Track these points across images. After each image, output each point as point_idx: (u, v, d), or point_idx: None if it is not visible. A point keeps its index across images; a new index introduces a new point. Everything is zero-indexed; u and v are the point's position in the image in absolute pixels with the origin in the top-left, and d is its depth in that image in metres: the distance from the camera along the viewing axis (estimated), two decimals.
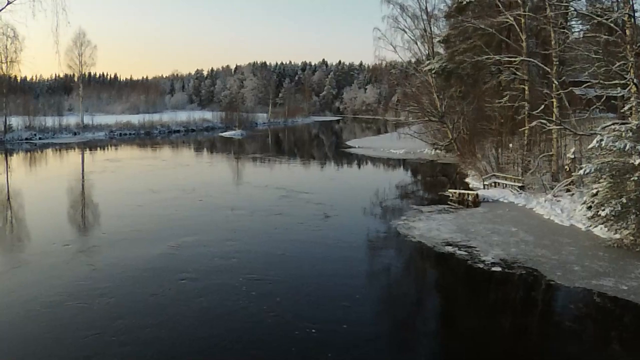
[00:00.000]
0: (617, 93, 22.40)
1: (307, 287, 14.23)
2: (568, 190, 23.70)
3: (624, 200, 16.45)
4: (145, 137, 76.99)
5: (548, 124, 25.31)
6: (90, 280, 14.26)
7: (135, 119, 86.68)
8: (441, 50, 49.35)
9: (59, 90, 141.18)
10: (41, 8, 48.45)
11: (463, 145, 40.14)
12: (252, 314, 12.07)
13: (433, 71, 45.82)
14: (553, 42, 26.75)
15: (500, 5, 30.30)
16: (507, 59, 30.12)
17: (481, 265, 15.68)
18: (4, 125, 62.86)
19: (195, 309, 12.36)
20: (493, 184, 28.56)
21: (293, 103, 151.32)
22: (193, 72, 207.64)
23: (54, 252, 16.89)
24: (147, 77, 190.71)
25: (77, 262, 16.07)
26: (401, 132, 58.01)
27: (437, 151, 49.34)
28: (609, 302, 12.99)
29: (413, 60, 55.45)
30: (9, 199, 27.85)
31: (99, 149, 59.88)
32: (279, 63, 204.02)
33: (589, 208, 17.81)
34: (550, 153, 27.35)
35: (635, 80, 20.15)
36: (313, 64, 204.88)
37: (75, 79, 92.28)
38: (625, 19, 21.27)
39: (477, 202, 25.04)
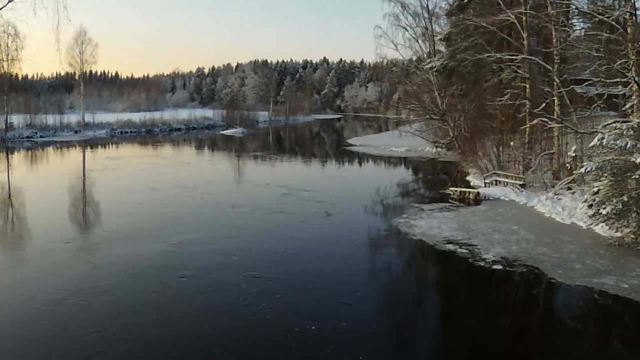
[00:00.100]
0: (619, 91, 22.34)
1: (308, 285, 14.25)
2: (569, 189, 23.69)
3: (625, 199, 16.44)
4: (147, 135, 77.00)
5: (549, 122, 25.29)
6: (91, 278, 14.27)
7: (137, 117, 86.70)
8: (442, 48, 49.26)
9: (60, 88, 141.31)
10: (42, 6, 48.80)
11: (464, 143, 40.13)
12: (252, 311, 12.07)
13: (434, 69, 45.74)
14: (554, 40, 26.72)
15: (501, 3, 30.21)
16: (508, 57, 30.06)
17: (482, 264, 15.67)
18: (5, 124, 62.81)
19: (196, 307, 12.37)
20: (494, 182, 28.55)
21: (294, 101, 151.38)
22: (194, 70, 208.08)
23: (55, 250, 16.89)
24: (148, 75, 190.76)
25: (78, 259, 16.08)
26: (402, 130, 58.05)
27: (438, 149, 49.28)
28: (610, 300, 12.98)
29: (414, 58, 55.50)
30: (10, 196, 27.87)
31: (100, 147, 59.87)
32: (280, 61, 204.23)
33: (590, 206, 17.81)
34: (552, 151, 27.34)
35: (636, 79, 20.11)
36: (314, 62, 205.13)
37: (77, 77, 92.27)
38: (627, 16, 21.22)
39: (478, 200, 25.03)
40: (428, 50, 52.10)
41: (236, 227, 20.28)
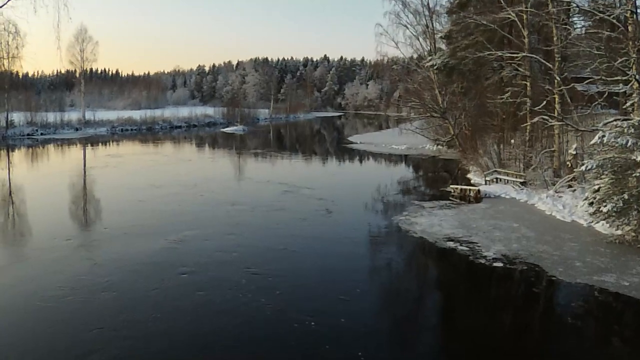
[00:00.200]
0: (619, 89, 22.33)
1: (308, 282, 14.27)
2: (570, 186, 23.68)
3: (626, 197, 16.44)
4: (147, 133, 76.96)
5: (550, 120, 25.28)
6: (92, 275, 14.28)
7: (137, 114, 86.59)
8: (443, 46, 49.23)
9: (61, 86, 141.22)
10: (42, 4, 48.64)
11: (465, 141, 40.13)
12: (252, 308, 12.09)
13: (435, 67, 45.74)
14: (555, 38, 26.68)
15: (502, 1, 30.17)
16: (509, 55, 30.04)
17: (483, 261, 15.67)
18: (5, 121, 62.77)
19: (196, 304, 12.38)
20: (495, 180, 28.54)
21: (295, 99, 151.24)
22: (195, 68, 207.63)
23: (56, 247, 16.91)
24: (148, 73, 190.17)
25: (79, 256, 16.10)
26: (403, 127, 58.00)
27: (439, 147, 49.29)
28: (610, 298, 12.98)
29: (415, 56, 55.46)
30: (11, 194, 27.89)
31: (100, 144, 59.83)
32: (280, 59, 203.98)
33: (591, 204, 17.82)
34: (552, 149, 27.33)
35: (637, 77, 20.10)
36: (315, 59, 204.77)
37: (77, 75, 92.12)
38: (628, 15, 21.20)
39: (478, 197, 25.03)
40: (429, 48, 52.08)
41: (237, 224, 20.28)
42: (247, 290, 13.19)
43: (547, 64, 27.52)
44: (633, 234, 16.86)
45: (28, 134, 65.62)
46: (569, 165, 24.28)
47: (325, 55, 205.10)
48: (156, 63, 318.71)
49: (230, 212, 22.42)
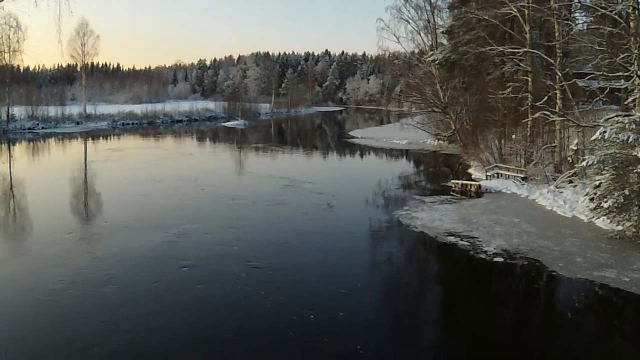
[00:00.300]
0: (621, 85, 22.35)
1: (309, 276, 14.29)
2: (570, 182, 23.68)
3: (627, 192, 16.44)
4: (148, 127, 76.97)
5: (551, 116, 25.27)
6: (92, 268, 14.29)
7: (138, 108, 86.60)
8: (444, 41, 49.19)
9: (62, 80, 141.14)
10: None
11: (466, 136, 40.15)
12: (253, 301, 12.10)
13: (436, 62, 45.66)
14: (557, 34, 26.63)
15: None
16: (510, 50, 29.98)
17: (483, 256, 15.67)
18: (6, 115, 62.85)
19: (197, 297, 12.40)
20: (496, 175, 28.57)
21: (296, 93, 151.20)
22: (196, 62, 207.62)
23: (57, 241, 16.92)
24: (149, 67, 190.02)
25: (80, 250, 16.13)
26: (404, 122, 58.00)
27: (440, 142, 49.28)
28: (610, 293, 12.98)
29: (416, 51, 55.42)
30: (11, 188, 27.90)
31: (101, 138, 59.87)
32: (281, 53, 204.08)
33: (592, 200, 17.80)
34: (553, 144, 27.31)
35: (638, 72, 20.08)
36: (316, 54, 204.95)
37: (78, 69, 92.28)
38: (630, 10, 21.16)
39: (479, 192, 25.02)
40: (430, 43, 52.04)
41: (237, 218, 20.30)
42: (248, 283, 13.20)
43: (549, 59, 27.46)
44: (634, 229, 16.86)
45: (29, 128, 65.59)
46: (570, 161, 24.26)
47: (326, 50, 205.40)
48: (157, 57, 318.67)
49: (231, 206, 22.43)
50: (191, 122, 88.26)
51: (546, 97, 26.36)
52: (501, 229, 18.68)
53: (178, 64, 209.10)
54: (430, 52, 48.73)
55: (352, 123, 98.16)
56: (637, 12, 21.07)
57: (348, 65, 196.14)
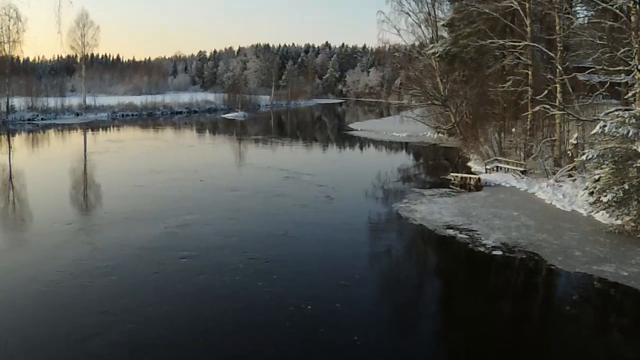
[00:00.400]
0: (621, 79, 22.32)
1: (308, 268, 14.30)
2: (570, 176, 23.69)
3: (626, 187, 16.45)
4: (148, 119, 76.86)
5: (551, 109, 25.25)
6: (92, 259, 14.31)
7: (138, 100, 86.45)
8: (445, 34, 49.00)
9: (62, 71, 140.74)
10: None
11: (466, 129, 40.10)
12: (252, 293, 12.13)
13: (437, 55, 45.55)
14: (557, 28, 26.60)
15: None
16: (511, 43, 29.97)
17: (482, 249, 15.70)
18: (6, 106, 62.71)
19: (197, 288, 12.43)
20: (495, 168, 28.58)
21: (296, 85, 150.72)
22: (196, 54, 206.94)
23: (56, 232, 16.94)
24: (149, 59, 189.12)
25: (79, 241, 16.14)
26: (404, 115, 57.84)
27: (440, 135, 49.29)
28: (609, 287, 13.00)
29: (417, 43, 55.14)
30: (11, 179, 27.90)
31: (101, 129, 59.80)
32: (282, 45, 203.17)
33: (591, 194, 17.82)
34: (553, 138, 27.32)
35: (639, 67, 20.07)
36: (316, 46, 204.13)
37: (78, 60, 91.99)
38: (630, 5, 21.11)
39: (479, 186, 25.04)
40: (431, 35, 51.87)
41: (237, 209, 20.33)
42: (247, 275, 13.24)
43: (549, 53, 27.44)
44: (633, 224, 16.88)
45: (29, 119, 65.48)
46: (570, 155, 24.26)
47: (326, 42, 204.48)
48: (157, 48, 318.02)
49: (230, 197, 22.45)
50: (191, 114, 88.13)
51: (546, 91, 26.34)
52: (500, 222, 18.70)
53: (178, 55, 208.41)
54: (431, 45, 48.60)
55: (352, 115, 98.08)
56: (638, 6, 21.02)
57: (348, 58, 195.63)
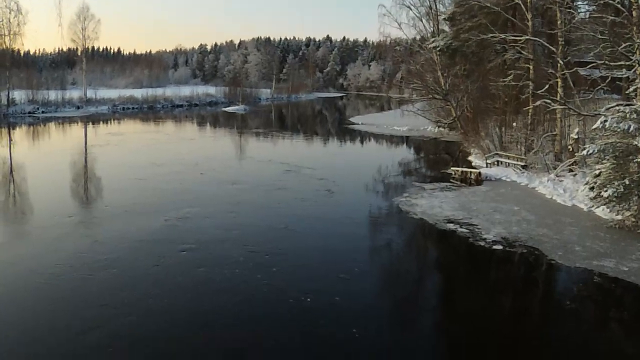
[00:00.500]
0: (623, 74, 22.30)
1: (309, 261, 14.31)
2: (571, 171, 23.69)
3: (627, 182, 16.44)
4: (149, 112, 76.78)
5: (552, 104, 25.23)
6: (92, 252, 14.31)
7: (139, 93, 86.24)
8: (446, 28, 48.90)
9: (62, 64, 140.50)
10: None
11: (467, 124, 40.09)
12: (252, 286, 12.14)
13: (438, 49, 45.57)
14: (559, 22, 26.54)
15: None
16: (512, 37, 29.92)
17: (482, 243, 15.70)
18: (7, 99, 62.57)
19: (197, 281, 12.44)
20: (496, 163, 28.55)
21: (297, 79, 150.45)
22: (196, 47, 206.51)
23: (57, 225, 16.95)
24: (150, 52, 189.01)
25: (79, 234, 16.16)
26: (404, 109, 57.77)
27: (441, 129, 49.23)
28: (609, 282, 13.00)
29: (418, 37, 55.01)
30: (12, 171, 27.89)
31: (101, 122, 59.76)
32: (283, 39, 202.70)
33: (592, 189, 17.82)
34: (554, 133, 27.30)
35: None
36: (317, 39, 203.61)
37: (79, 53, 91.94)
38: (632, 0, 21.10)
39: (479, 180, 25.05)
40: (432, 29, 51.77)
41: (238, 203, 20.33)
42: (247, 268, 13.25)
43: (551, 47, 27.41)
44: (633, 219, 16.88)
45: (29, 112, 65.33)
46: (571, 150, 24.25)
47: (327, 36, 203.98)
48: (158, 42, 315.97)
49: (231, 191, 22.46)
50: (192, 107, 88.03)
51: (547, 86, 26.27)
52: (501, 216, 18.70)
53: (179, 48, 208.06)
54: (432, 39, 48.59)
55: (353, 109, 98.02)
56: (639, 1, 21.00)
57: (349, 51, 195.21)
